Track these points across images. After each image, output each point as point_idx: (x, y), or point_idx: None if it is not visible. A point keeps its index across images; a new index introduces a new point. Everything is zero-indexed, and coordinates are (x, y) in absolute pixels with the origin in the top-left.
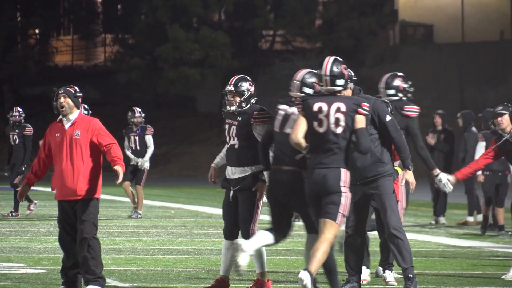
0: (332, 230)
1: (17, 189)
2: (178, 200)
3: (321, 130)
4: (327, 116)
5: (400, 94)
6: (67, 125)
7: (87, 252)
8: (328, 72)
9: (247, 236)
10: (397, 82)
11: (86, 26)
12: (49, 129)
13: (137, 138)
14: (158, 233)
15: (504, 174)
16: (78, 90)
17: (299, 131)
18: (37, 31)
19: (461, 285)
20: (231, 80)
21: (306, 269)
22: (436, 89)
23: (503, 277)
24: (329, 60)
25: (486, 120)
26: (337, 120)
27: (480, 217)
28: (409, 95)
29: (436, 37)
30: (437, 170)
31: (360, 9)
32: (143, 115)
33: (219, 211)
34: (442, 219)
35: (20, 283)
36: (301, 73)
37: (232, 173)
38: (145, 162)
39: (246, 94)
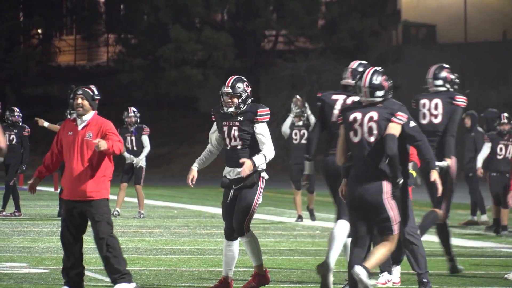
0: (394, 240)
1: (23, 186)
2: (181, 200)
3: (356, 139)
4: (361, 125)
5: (447, 85)
6: (80, 126)
7: (107, 252)
8: (367, 84)
9: (241, 231)
10: (445, 73)
11: (89, 26)
12: (63, 126)
13: (133, 138)
14: (161, 233)
15: None
16: (96, 92)
17: (340, 155)
18: (39, 31)
19: (464, 285)
20: (227, 81)
21: (362, 264)
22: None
23: (505, 276)
24: (369, 72)
25: (488, 121)
26: (370, 129)
27: (483, 217)
28: (456, 86)
29: (439, 37)
30: (451, 160)
31: (363, 10)
32: (138, 115)
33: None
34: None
35: (23, 283)
36: (356, 63)
37: (234, 173)
38: (140, 161)
39: (244, 95)
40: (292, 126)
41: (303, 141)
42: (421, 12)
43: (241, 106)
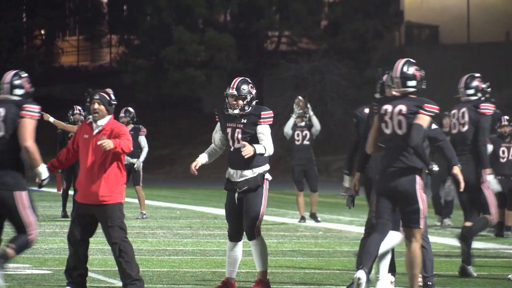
0: (418, 235)
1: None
2: (183, 201)
3: (387, 131)
4: (391, 118)
5: (479, 94)
6: (95, 130)
7: (120, 257)
8: (398, 74)
9: (252, 235)
10: (476, 83)
11: (92, 27)
12: (80, 127)
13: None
14: (164, 233)
15: None
16: (113, 97)
17: (370, 143)
18: (42, 31)
19: (467, 286)
20: (232, 83)
21: (365, 269)
22: (441, 90)
23: (509, 277)
24: (400, 62)
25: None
26: (399, 122)
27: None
28: (487, 95)
29: (442, 38)
30: (490, 170)
31: (366, 10)
32: (131, 115)
33: (224, 212)
34: (447, 221)
35: (26, 283)
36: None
37: (238, 175)
38: (141, 164)
39: (248, 97)
40: (295, 127)
41: (305, 142)
42: (424, 13)
43: (246, 108)
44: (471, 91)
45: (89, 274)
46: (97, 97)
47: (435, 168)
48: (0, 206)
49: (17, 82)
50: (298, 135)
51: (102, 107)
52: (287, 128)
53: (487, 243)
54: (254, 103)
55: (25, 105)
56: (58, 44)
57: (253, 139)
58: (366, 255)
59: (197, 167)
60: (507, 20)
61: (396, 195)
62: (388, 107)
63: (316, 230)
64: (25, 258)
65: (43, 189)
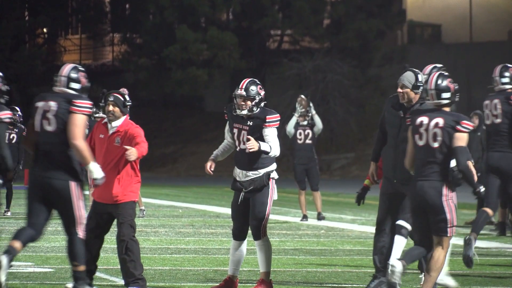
0: (445, 244)
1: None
2: (186, 200)
3: (421, 143)
4: (427, 130)
5: None
6: (110, 131)
7: (125, 254)
8: (433, 86)
9: (258, 235)
10: (510, 72)
11: (94, 25)
12: (96, 126)
13: None
14: (166, 232)
15: None
16: (128, 98)
17: (409, 157)
18: (45, 30)
19: (469, 284)
20: (241, 84)
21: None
22: None
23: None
24: (434, 75)
25: None
26: (434, 135)
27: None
28: None
29: (444, 37)
30: None
31: (368, 9)
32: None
33: (226, 211)
34: None
35: (28, 281)
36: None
37: (243, 175)
38: None
39: (257, 98)
40: (297, 125)
41: (308, 141)
42: (427, 12)
43: (254, 109)
44: (506, 79)
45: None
46: (111, 99)
47: (482, 189)
48: (55, 197)
49: (74, 75)
50: (300, 134)
51: (116, 109)
52: (290, 127)
53: (489, 242)
54: (262, 104)
55: (75, 100)
56: (61, 42)
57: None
58: (407, 255)
59: (212, 168)
60: (509, 19)
61: (424, 206)
62: (424, 119)
63: (318, 228)
64: (27, 256)
65: None
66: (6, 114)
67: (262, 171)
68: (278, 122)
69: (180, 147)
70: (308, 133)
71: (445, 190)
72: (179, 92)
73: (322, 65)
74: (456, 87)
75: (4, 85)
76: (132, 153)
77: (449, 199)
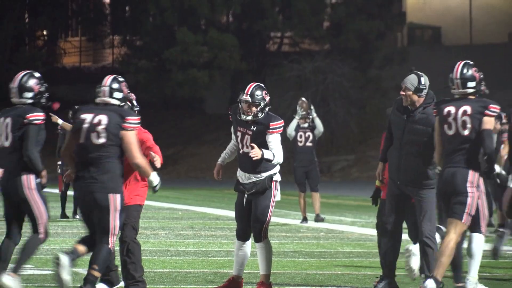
0: (458, 229)
1: None
2: (185, 202)
3: (450, 132)
4: (455, 119)
5: None
6: None
7: (126, 256)
8: (458, 75)
9: (259, 237)
10: None
11: (94, 27)
12: None
13: None
14: (166, 234)
15: None
16: (135, 103)
17: (437, 151)
18: (45, 32)
19: None
20: (247, 89)
21: (432, 275)
22: (443, 91)
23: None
24: (460, 64)
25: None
26: (463, 123)
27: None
28: None
29: (444, 39)
30: None
31: (368, 11)
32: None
33: (226, 213)
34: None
35: (28, 284)
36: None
37: (246, 178)
38: None
39: (262, 104)
40: (298, 128)
41: (308, 144)
42: (427, 14)
43: (259, 115)
44: None
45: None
46: None
47: (500, 171)
48: (95, 207)
49: (115, 86)
50: (301, 136)
51: None
52: (290, 130)
53: (490, 244)
54: (267, 109)
55: (127, 117)
56: (61, 44)
57: (263, 146)
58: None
59: (220, 175)
60: (509, 21)
61: (450, 191)
62: (451, 109)
63: (318, 231)
64: None
65: (45, 189)
66: (36, 116)
67: (264, 175)
68: (282, 128)
69: (181, 149)
70: (309, 135)
71: (470, 176)
72: (180, 94)
73: (322, 67)
74: (481, 76)
75: (42, 85)
76: (158, 160)
77: (474, 186)
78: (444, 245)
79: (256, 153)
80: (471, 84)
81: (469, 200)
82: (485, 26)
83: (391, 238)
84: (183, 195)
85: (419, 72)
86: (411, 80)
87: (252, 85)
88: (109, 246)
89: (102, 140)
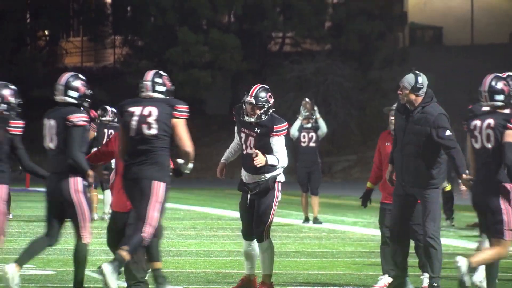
0: (505, 246)
1: None
2: (187, 202)
3: (477, 146)
4: (480, 132)
5: None
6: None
7: None
8: (487, 88)
9: (261, 238)
10: None
11: (95, 27)
12: (116, 135)
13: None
14: (168, 234)
15: None
16: None
17: (472, 167)
18: (46, 32)
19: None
20: (251, 91)
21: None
22: (444, 91)
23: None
24: (489, 76)
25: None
26: (488, 136)
27: None
28: None
29: (445, 40)
30: None
31: (369, 12)
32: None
33: (228, 213)
34: (449, 222)
35: (29, 284)
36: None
37: (249, 178)
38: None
39: (266, 106)
40: (301, 128)
41: (311, 144)
42: (428, 14)
43: (263, 117)
44: None
45: (93, 274)
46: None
47: None
48: (139, 194)
49: (158, 80)
50: (304, 136)
51: None
52: (294, 130)
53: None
54: (271, 111)
55: (177, 105)
56: (62, 45)
57: (266, 148)
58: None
59: (223, 174)
60: (511, 22)
61: (483, 208)
62: (477, 122)
63: (320, 231)
64: None
65: (44, 189)
66: (79, 117)
67: (268, 175)
68: (286, 130)
69: None
70: (312, 136)
71: (501, 190)
72: (181, 94)
73: (323, 67)
74: (510, 89)
75: (87, 89)
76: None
77: (506, 201)
78: (492, 249)
79: (260, 160)
80: (499, 97)
81: (505, 217)
82: (487, 26)
83: (398, 240)
84: (184, 195)
85: (417, 71)
86: (408, 79)
87: (256, 87)
88: (143, 235)
89: (154, 131)
